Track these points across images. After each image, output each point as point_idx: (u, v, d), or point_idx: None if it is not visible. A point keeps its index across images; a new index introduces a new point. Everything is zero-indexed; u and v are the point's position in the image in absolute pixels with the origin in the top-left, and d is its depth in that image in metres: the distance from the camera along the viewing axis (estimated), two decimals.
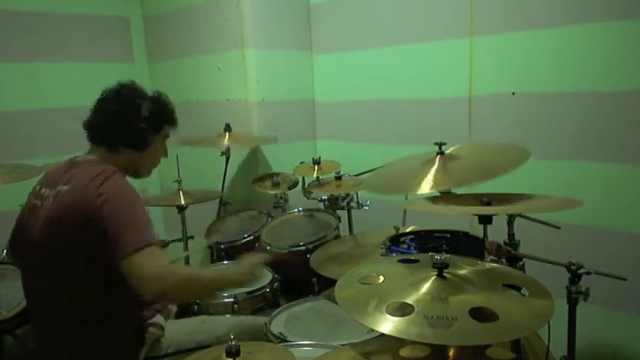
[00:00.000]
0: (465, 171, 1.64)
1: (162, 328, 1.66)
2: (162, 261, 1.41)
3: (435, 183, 1.58)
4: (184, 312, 2.00)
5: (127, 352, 1.57)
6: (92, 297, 1.50)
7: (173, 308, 1.95)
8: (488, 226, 1.45)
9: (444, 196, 1.64)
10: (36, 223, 1.51)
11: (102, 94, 1.62)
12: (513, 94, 2.23)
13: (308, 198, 2.53)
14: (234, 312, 1.97)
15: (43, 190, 1.54)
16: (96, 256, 1.44)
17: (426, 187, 1.56)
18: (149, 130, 1.62)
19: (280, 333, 1.64)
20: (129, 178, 1.62)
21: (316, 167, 2.50)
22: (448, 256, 1.12)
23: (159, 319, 1.68)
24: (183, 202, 2.53)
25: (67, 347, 1.52)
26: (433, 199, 1.58)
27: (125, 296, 1.56)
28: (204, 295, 1.87)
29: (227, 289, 1.89)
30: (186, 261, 2.46)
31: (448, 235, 1.85)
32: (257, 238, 2.45)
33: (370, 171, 2.29)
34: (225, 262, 2.37)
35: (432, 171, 1.63)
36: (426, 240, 1.84)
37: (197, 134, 2.93)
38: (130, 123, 1.58)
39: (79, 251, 1.45)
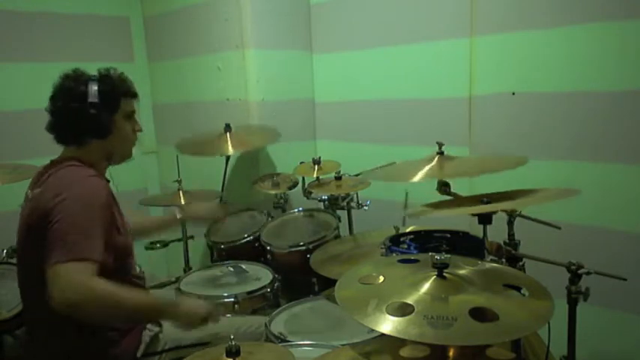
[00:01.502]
0: (461, 167, 1.65)
1: (160, 325, 1.66)
2: (85, 277, 1.31)
3: (430, 174, 1.59)
4: None
5: (125, 349, 1.57)
6: None
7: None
8: (488, 226, 1.45)
9: (446, 202, 1.64)
10: (19, 225, 1.53)
11: (52, 92, 1.56)
12: (513, 94, 2.23)
13: (308, 198, 2.53)
14: (234, 312, 1.97)
15: (28, 192, 1.56)
16: None
17: (420, 176, 1.56)
18: (104, 113, 1.53)
19: (280, 333, 1.65)
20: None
21: (316, 167, 2.50)
22: (448, 256, 1.12)
23: None
24: (183, 202, 2.53)
25: (64, 347, 1.52)
26: (435, 204, 1.58)
27: None
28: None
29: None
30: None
31: (448, 235, 1.85)
32: (257, 238, 2.46)
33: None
34: (226, 261, 2.37)
35: (429, 165, 1.63)
36: (426, 240, 1.84)
37: (197, 134, 2.94)
38: (82, 113, 1.50)
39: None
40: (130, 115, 1.62)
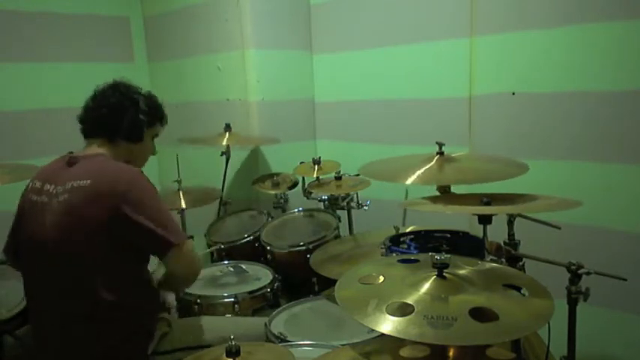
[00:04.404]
0: (461, 174, 1.64)
1: (170, 324, 1.67)
2: (196, 253, 1.66)
3: (429, 178, 1.59)
4: (186, 312, 2.00)
5: (137, 347, 1.57)
6: (109, 292, 1.49)
7: (173, 302, 1.96)
8: (488, 226, 1.45)
9: (444, 196, 1.64)
10: (44, 219, 1.48)
11: (98, 90, 1.68)
12: (513, 94, 2.23)
13: (308, 198, 2.53)
14: (234, 312, 1.97)
15: (47, 186, 1.52)
16: (121, 248, 1.47)
17: (417, 179, 1.57)
18: (145, 123, 1.69)
19: (280, 333, 1.65)
20: None
21: (316, 167, 2.49)
22: (448, 256, 1.12)
23: (166, 315, 1.70)
24: (183, 204, 2.53)
25: (79, 342, 1.51)
26: (433, 198, 1.58)
27: (140, 290, 1.58)
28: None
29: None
30: None
31: (448, 235, 1.85)
32: (257, 238, 2.46)
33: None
34: (226, 261, 2.37)
35: (428, 166, 1.63)
36: (426, 240, 1.84)
37: (197, 134, 2.94)
38: (131, 113, 1.65)
39: (102, 244, 1.45)
40: (154, 137, 1.79)
